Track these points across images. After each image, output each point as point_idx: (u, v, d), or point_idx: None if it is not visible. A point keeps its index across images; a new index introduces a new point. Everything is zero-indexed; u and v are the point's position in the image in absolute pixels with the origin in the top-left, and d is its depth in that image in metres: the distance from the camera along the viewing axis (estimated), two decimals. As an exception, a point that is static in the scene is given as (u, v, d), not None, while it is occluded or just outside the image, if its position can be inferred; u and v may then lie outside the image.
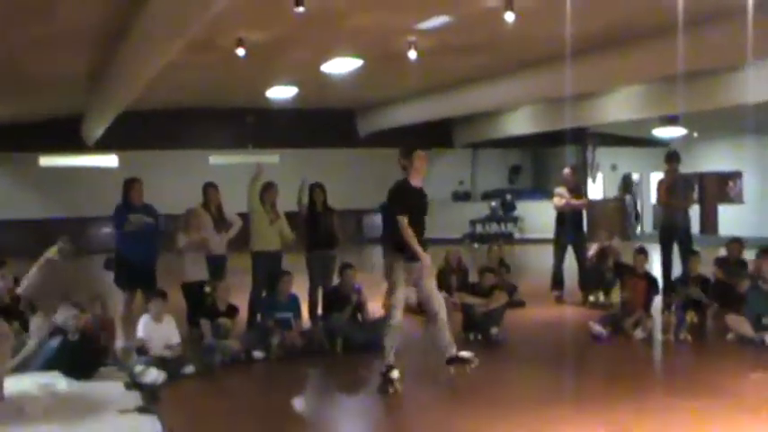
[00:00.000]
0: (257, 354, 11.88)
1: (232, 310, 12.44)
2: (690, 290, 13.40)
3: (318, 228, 14.14)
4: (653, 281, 13.66)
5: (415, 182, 10.89)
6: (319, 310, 13.74)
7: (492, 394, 9.98)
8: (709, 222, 35.76)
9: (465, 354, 10.56)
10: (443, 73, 23.78)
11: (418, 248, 10.33)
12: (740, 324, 12.39)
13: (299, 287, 13.63)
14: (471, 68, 22.99)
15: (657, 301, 13.90)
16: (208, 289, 12.84)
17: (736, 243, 15.25)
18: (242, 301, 13.35)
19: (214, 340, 11.77)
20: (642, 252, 13.95)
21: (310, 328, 13.06)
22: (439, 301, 10.81)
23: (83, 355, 10.59)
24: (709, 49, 16.31)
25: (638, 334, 12.67)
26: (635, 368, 11.44)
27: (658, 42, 16.12)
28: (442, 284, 15.65)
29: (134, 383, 10.21)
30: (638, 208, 36.81)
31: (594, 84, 22.05)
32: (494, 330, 12.68)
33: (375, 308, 14.21)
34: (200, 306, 12.57)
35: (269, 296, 12.87)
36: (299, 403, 10.41)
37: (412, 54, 18.77)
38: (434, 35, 17.97)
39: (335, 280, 13.73)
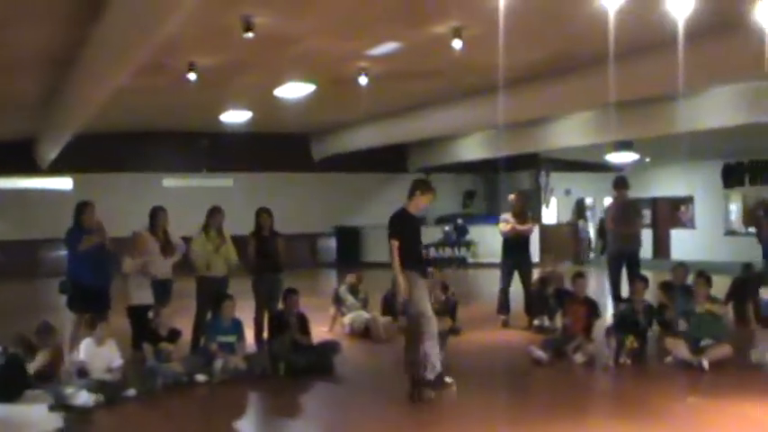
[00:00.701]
0: (200, 377, 11.90)
1: (174, 335, 12.46)
2: (625, 313, 13.54)
3: (265, 252, 14.21)
4: (593, 305, 13.78)
5: (413, 211, 11.88)
6: (265, 334, 13.79)
7: (429, 418, 10.05)
8: (662, 247, 36.11)
9: (448, 379, 11.01)
10: (396, 98, 23.90)
11: (398, 271, 11.09)
12: (678, 347, 12.54)
13: (246, 311, 13.73)
14: (423, 94, 23.14)
15: (601, 324, 14.02)
16: (150, 314, 12.84)
17: (680, 267, 15.43)
18: (187, 325, 13.40)
19: (156, 363, 11.79)
20: (581, 276, 14.11)
21: (254, 351, 13.11)
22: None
23: (7, 378, 10.51)
24: (644, 78, 16.57)
25: (579, 358, 12.76)
26: (574, 392, 11.55)
27: (599, 70, 16.32)
28: (389, 309, 15.79)
29: (61, 406, 10.18)
30: (591, 233, 37.05)
31: (542, 110, 22.30)
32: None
33: (319, 332, 14.34)
34: (143, 330, 12.58)
35: (212, 320, 12.89)
36: (239, 427, 10.43)
37: (363, 80, 18.89)
38: (385, 61, 18.08)
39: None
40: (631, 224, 16.32)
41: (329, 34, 16.07)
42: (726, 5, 13.19)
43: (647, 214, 35.07)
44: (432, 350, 10.79)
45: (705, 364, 12.18)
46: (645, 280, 14.33)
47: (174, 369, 11.81)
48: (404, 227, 11.55)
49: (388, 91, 21.85)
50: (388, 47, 17.03)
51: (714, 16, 13.37)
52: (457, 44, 15.10)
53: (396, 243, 11.25)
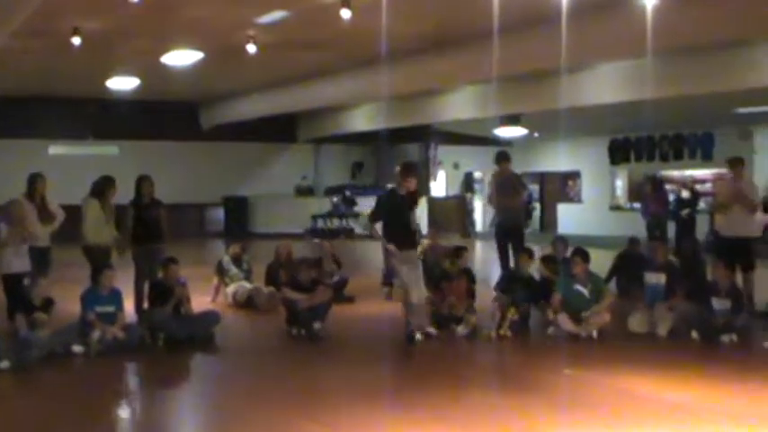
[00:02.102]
0: (76, 348, 11.64)
1: (48, 304, 12.15)
2: (506, 285, 13.60)
3: (145, 221, 13.96)
4: (473, 277, 13.81)
5: (402, 191, 12.74)
6: (145, 305, 13.56)
7: (305, 391, 9.98)
8: (549, 221, 36.56)
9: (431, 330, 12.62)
10: (285, 68, 23.76)
11: (381, 238, 12.61)
12: (561, 318, 12.67)
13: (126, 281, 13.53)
14: (313, 64, 23.03)
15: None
16: (27, 281, 12.53)
17: (560, 242, 15.55)
18: (67, 295, 13.07)
19: (30, 334, 11.50)
20: (464, 250, 14.13)
21: (134, 322, 12.88)
22: (417, 290, 12.49)
23: None
24: (530, 52, 16.70)
25: (461, 330, 12.80)
26: (454, 364, 11.59)
27: (486, 44, 16.35)
28: (272, 279, 15.69)
29: None
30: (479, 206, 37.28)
31: (429, 82, 22.37)
32: (316, 325, 12.65)
33: (202, 302, 14.19)
34: (18, 299, 12.27)
35: (90, 290, 12.59)
36: (117, 400, 10.22)
37: (251, 48, 18.71)
38: (274, 30, 17.95)
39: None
40: (514, 198, 16.38)
41: (217, 1, 15.87)
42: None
43: (535, 189, 35.51)
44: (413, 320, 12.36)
45: (594, 334, 12.48)
46: (529, 252, 14.43)
47: (49, 340, 11.53)
48: (386, 204, 12.75)
49: (277, 60, 21.73)
50: (276, 15, 16.92)
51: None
52: (345, 14, 15.05)
53: (373, 220, 12.82)
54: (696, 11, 14.18)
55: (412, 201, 12.72)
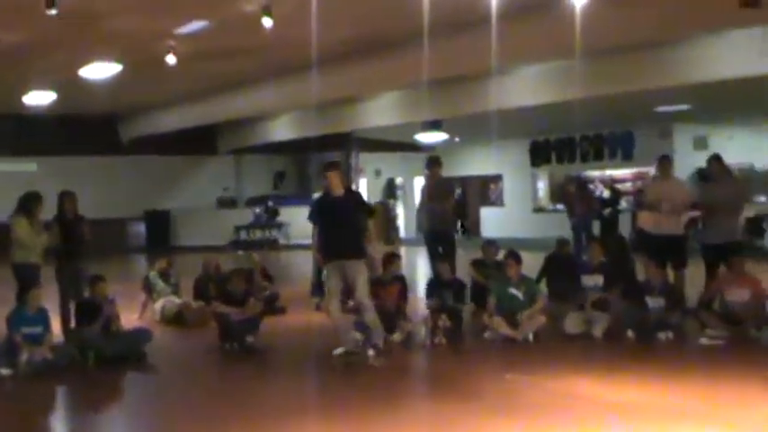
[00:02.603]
0: (4, 371, 11.34)
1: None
2: (436, 290, 13.52)
3: (69, 237, 13.65)
4: (405, 283, 13.69)
5: (336, 193, 11.76)
6: (72, 323, 13.27)
7: (240, 405, 9.81)
8: (472, 225, 36.64)
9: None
10: (206, 78, 23.56)
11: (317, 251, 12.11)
12: (496, 323, 12.62)
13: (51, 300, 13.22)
14: (233, 74, 22.85)
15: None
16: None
17: (490, 245, 15.51)
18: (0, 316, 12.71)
19: (-43, 358, 11.19)
20: (396, 257, 14.02)
21: (61, 342, 12.58)
22: (363, 303, 11.62)
23: None
24: (456, 57, 16.71)
25: (396, 338, 12.67)
26: (389, 373, 11.34)
27: (410, 49, 16.34)
28: (200, 293, 15.46)
29: None
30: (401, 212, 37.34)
31: (353, 89, 22.29)
32: (249, 339, 12.50)
33: (130, 319, 13.94)
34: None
35: (17, 310, 12.27)
36: (50, 424, 9.97)
37: (171, 59, 18.47)
38: (194, 40, 17.77)
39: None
40: (445, 202, 16.34)
41: (135, 11, 15.71)
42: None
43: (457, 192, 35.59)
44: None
45: (531, 337, 12.48)
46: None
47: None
48: (320, 210, 12.05)
49: (197, 71, 21.53)
50: (196, 25, 16.74)
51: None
52: (267, 22, 14.88)
53: (314, 227, 12.01)
54: (619, 12, 14.25)
55: (357, 203, 12.10)
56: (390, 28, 16.59)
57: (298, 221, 31.33)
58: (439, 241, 16.07)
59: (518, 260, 13.15)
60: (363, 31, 17.13)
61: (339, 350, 11.47)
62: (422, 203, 16.76)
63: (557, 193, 33.07)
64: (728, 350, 11.86)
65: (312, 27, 14.70)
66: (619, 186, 27.74)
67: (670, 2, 13.77)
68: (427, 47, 14.81)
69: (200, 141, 34.54)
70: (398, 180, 37.81)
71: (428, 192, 16.45)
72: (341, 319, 11.72)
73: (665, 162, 15.23)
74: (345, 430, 8.57)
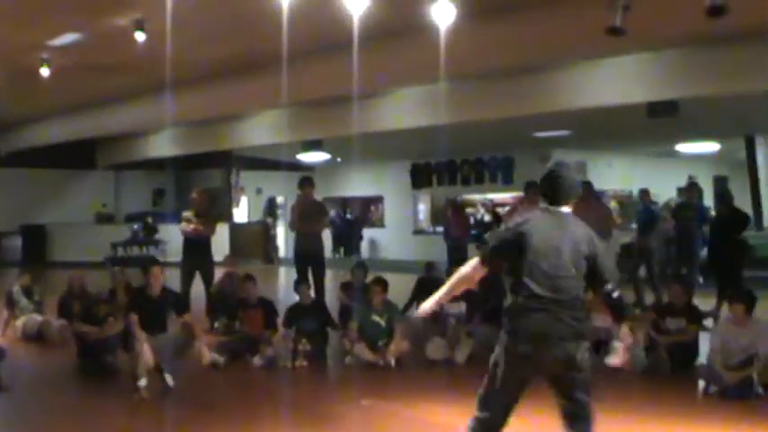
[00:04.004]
0: None
1: None
2: (300, 320, 13.34)
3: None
4: (270, 307, 13.55)
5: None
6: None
7: (97, 427, 9.59)
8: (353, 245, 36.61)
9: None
10: (82, 92, 23.20)
11: None
12: (358, 347, 12.54)
13: None
14: (110, 88, 22.53)
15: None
16: None
17: (359, 269, 15.44)
18: None
19: None
20: (251, 279, 13.83)
21: None
22: None
23: None
24: (326, 78, 16.72)
25: (257, 361, 12.53)
26: (249, 397, 11.23)
27: (284, 69, 16.25)
28: (63, 311, 15.10)
29: None
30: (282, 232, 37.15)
31: (227, 108, 22.14)
32: (108, 358, 12.22)
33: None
34: None
35: None
36: None
37: (45, 71, 18.15)
38: (68, 52, 17.45)
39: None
40: (316, 224, 16.25)
41: (5, 21, 15.35)
42: (403, 9, 13.34)
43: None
44: None
45: (392, 362, 12.38)
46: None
47: None
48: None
49: (73, 84, 21.20)
50: (69, 37, 16.46)
51: (392, 19, 13.51)
52: (140, 37, 14.73)
53: None
54: (489, 37, 14.36)
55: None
56: (261, 48, 16.48)
57: (176, 239, 31.03)
58: (309, 262, 15.95)
59: (384, 286, 13.07)
60: (235, 50, 17.02)
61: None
62: (292, 224, 16.63)
63: (437, 216, 33.20)
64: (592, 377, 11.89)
65: (186, 44, 14.58)
66: (499, 210, 27.94)
67: (539, 29, 13.91)
68: (296, 68, 14.80)
69: (78, 156, 34.00)
70: (279, 199, 37.60)
71: (299, 213, 16.33)
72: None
73: (532, 188, 15.37)
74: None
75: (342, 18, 12.52)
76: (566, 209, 6.33)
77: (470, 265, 6.45)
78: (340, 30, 13.42)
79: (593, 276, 6.24)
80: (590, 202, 14.78)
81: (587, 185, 14.89)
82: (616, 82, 16.58)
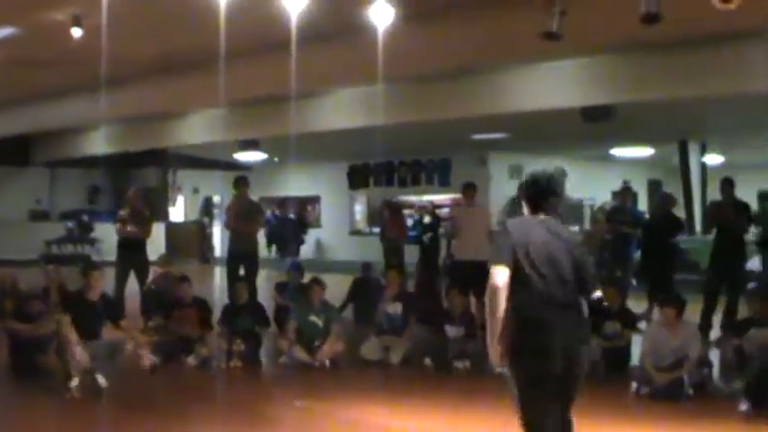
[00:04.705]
0: None
1: None
2: (236, 320, 13.28)
3: None
4: (204, 306, 13.49)
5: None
6: None
7: (25, 428, 9.49)
8: (289, 245, 36.53)
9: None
10: (17, 87, 22.85)
11: None
12: (292, 348, 12.53)
13: None
14: (46, 83, 22.23)
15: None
16: None
17: (295, 271, 15.40)
18: None
19: None
20: (186, 280, 13.77)
21: None
22: None
23: None
24: (262, 77, 16.68)
25: (191, 361, 12.48)
26: (182, 397, 11.14)
27: (220, 68, 16.18)
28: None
29: None
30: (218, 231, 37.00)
31: (164, 105, 21.94)
32: (41, 357, 12.03)
33: None
34: None
35: None
36: None
37: (-23, 65, 17.98)
38: (2, 46, 17.23)
39: None
40: (251, 224, 16.21)
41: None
42: (341, 10, 13.34)
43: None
44: None
45: (327, 363, 12.40)
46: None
47: None
48: None
49: (7, 78, 20.89)
50: (4, 31, 16.24)
51: (331, 20, 13.51)
52: (76, 32, 14.58)
53: None
54: (427, 39, 14.40)
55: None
56: (199, 46, 16.39)
57: (112, 238, 30.77)
58: (243, 263, 15.90)
59: (322, 286, 13.09)
60: (173, 47, 16.89)
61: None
62: (227, 223, 16.59)
63: (374, 217, 33.22)
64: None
65: (124, 40, 14.48)
66: (439, 212, 27.99)
67: (477, 32, 13.97)
68: (233, 66, 14.76)
69: (12, 151, 33.48)
70: (216, 198, 37.44)
71: (234, 213, 16.28)
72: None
73: (468, 189, 15.47)
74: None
75: (280, 17, 12.49)
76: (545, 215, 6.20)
77: (499, 289, 5.96)
78: (278, 29, 13.40)
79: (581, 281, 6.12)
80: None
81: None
82: (553, 86, 16.69)
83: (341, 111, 20.54)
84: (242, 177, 16.92)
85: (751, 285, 14.36)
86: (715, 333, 14.15)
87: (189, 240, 34.05)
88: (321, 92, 19.55)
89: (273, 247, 33.98)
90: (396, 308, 13.31)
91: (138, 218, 16.25)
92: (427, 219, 24.61)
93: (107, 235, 31.07)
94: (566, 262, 6.02)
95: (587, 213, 32.15)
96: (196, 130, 25.75)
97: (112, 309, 11.97)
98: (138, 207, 16.51)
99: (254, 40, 14.79)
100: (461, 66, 16.00)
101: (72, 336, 10.79)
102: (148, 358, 12.16)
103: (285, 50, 14.13)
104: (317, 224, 36.42)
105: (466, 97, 18.05)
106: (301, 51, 13.65)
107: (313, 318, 12.79)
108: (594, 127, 18.46)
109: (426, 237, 22.81)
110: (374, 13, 12.34)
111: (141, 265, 16.20)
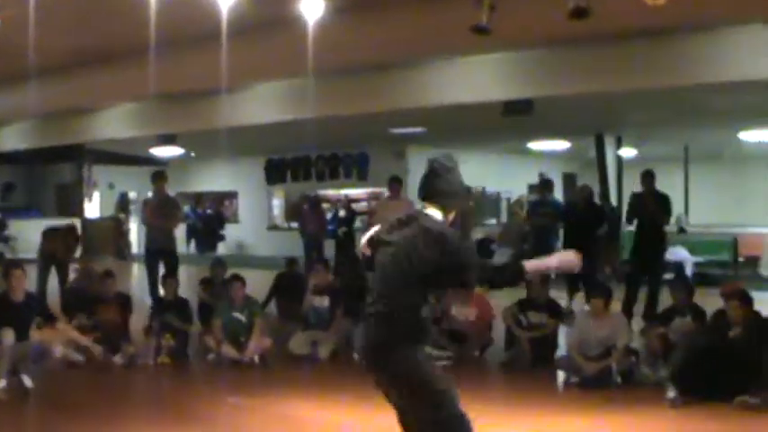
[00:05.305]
0: None
1: None
2: (166, 315, 13.17)
3: None
4: (127, 302, 13.36)
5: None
6: None
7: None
8: (207, 240, 36.33)
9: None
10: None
11: None
12: (221, 345, 12.46)
13: None
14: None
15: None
16: None
17: (218, 266, 15.29)
18: None
19: None
20: (110, 276, 13.62)
21: None
22: None
23: None
24: (188, 71, 16.51)
25: (117, 359, 12.33)
26: (109, 396, 10.99)
27: (143, 61, 15.99)
28: None
29: None
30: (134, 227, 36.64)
31: (82, 100, 21.60)
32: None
33: None
34: None
35: None
36: None
37: None
38: None
39: None
40: (169, 220, 16.08)
41: None
42: (269, 1, 13.26)
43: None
44: None
45: (256, 359, 12.37)
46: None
47: None
48: None
49: None
50: None
51: (258, 12, 13.39)
52: (-10, 23, 14.28)
53: None
54: (354, 32, 14.36)
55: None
56: (118, 39, 16.14)
57: (26, 235, 30.26)
58: (161, 259, 15.75)
59: (243, 282, 13.02)
60: (93, 40, 16.58)
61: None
62: (144, 219, 16.44)
63: (292, 212, 33.14)
64: (453, 370, 12.00)
65: (40, 33, 14.21)
66: (354, 206, 27.99)
67: (405, 25, 13.95)
68: (155, 60, 14.56)
69: None
70: (132, 194, 37.05)
71: (151, 208, 16.14)
72: None
73: (394, 183, 15.53)
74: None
75: (207, 9, 12.34)
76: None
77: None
78: (205, 21, 13.26)
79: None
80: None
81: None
82: (473, 80, 16.70)
83: (258, 106, 20.35)
84: (160, 172, 16.82)
85: (669, 276, 14.60)
86: (636, 323, 14.33)
87: (105, 237, 33.57)
88: (242, 87, 19.39)
89: (192, 243, 33.81)
90: (322, 302, 13.32)
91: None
92: (342, 213, 24.67)
93: (22, 232, 30.75)
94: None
95: (504, 206, 32.55)
96: (113, 124, 25.37)
97: (42, 310, 11.71)
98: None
99: (179, 32, 14.58)
100: (388, 59, 15.98)
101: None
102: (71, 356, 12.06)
103: (213, 43, 14.01)
104: (235, 219, 36.26)
105: (385, 91, 17.99)
106: (220, 46, 13.51)
107: (236, 314, 12.74)
108: (513, 121, 18.55)
109: (340, 231, 22.85)
110: (305, 5, 12.23)
111: (62, 261, 16.02)
